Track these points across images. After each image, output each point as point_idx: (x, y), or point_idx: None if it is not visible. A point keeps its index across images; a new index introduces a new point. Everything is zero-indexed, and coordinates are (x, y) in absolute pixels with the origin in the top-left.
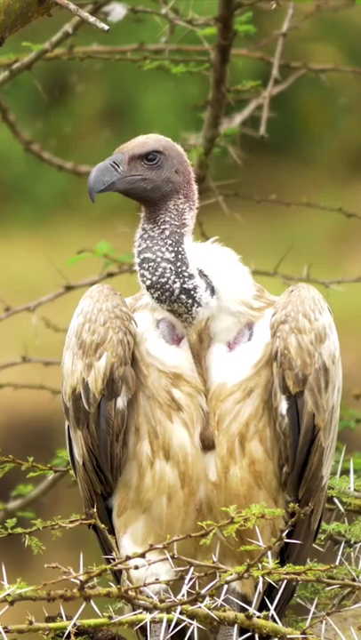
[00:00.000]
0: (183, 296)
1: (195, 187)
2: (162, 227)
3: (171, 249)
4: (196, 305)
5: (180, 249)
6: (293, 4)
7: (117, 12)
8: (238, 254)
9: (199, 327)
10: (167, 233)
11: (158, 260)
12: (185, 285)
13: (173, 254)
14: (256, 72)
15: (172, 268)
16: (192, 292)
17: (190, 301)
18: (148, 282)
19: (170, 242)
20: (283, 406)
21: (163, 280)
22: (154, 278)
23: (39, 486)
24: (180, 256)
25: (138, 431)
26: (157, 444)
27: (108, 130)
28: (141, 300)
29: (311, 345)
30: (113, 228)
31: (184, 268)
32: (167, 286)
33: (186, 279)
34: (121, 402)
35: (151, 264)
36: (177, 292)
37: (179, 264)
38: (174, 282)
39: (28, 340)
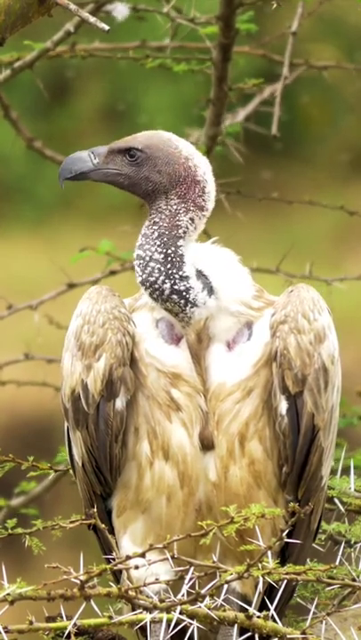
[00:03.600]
0: (175, 296)
1: (198, 189)
2: (153, 227)
3: (160, 250)
4: (190, 305)
5: (170, 251)
6: (302, 2)
7: (119, 10)
8: (240, 253)
9: (198, 327)
10: (156, 234)
11: (147, 258)
12: (176, 287)
13: (162, 256)
14: (258, 70)
15: (162, 268)
16: (184, 294)
17: (183, 302)
18: (140, 278)
19: (159, 243)
20: (282, 406)
21: (152, 279)
22: (143, 276)
23: (42, 483)
24: (169, 258)
25: (137, 431)
26: (157, 445)
27: (109, 129)
28: (141, 300)
29: (310, 345)
30: (113, 228)
31: (174, 271)
32: (157, 286)
33: (177, 280)
34: (120, 402)
35: (141, 262)
36: (167, 292)
37: (169, 266)
38: (164, 282)
39: (31, 338)
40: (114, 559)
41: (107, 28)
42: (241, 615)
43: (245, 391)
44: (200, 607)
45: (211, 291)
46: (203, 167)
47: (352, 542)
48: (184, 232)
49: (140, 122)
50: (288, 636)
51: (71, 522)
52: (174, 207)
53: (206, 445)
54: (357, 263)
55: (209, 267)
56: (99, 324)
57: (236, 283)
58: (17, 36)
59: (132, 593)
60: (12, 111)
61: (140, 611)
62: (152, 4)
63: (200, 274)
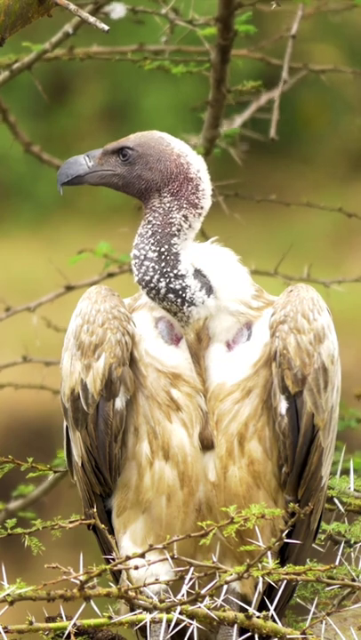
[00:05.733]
0: (171, 295)
1: (191, 186)
2: (147, 226)
3: (154, 248)
4: (187, 304)
5: (164, 249)
6: (302, 5)
7: (118, 11)
8: (238, 254)
9: (197, 326)
10: (150, 232)
11: (142, 257)
12: (171, 285)
13: (156, 254)
14: (256, 72)
15: (156, 267)
16: (180, 292)
17: (180, 301)
18: (136, 278)
19: (152, 241)
20: (282, 406)
21: (147, 278)
22: (139, 275)
23: (40, 486)
24: (163, 256)
25: (137, 431)
26: (157, 445)
27: (108, 130)
28: (140, 300)
29: (310, 345)
30: (113, 228)
31: (169, 269)
32: (152, 285)
33: (172, 279)
34: (119, 402)
35: (136, 261)
36: (163, 291)
37: (163, 264)
38: (159, 281)
39: (29, 340)
40: (113, 559)
41: (106, 28)
42: (241, 615)
43: (245, 391)
44: (200, 607)
45: (210, 290)
46: (196, 165)
47: (352, 542)
48: (178, 230)
49: (139, 122)
50: (288, 636)
51: (71, 522)
52: (167, 205)
53: (206, 445)
54: (357, 263)
55: (208, 266)
56: (98, 324)
57: (236, 282)
58: (16, 37)
59: (131, 593)
60: (9, 115)
61: (140, 611)
62: (150, 5)
63: (199, 273)
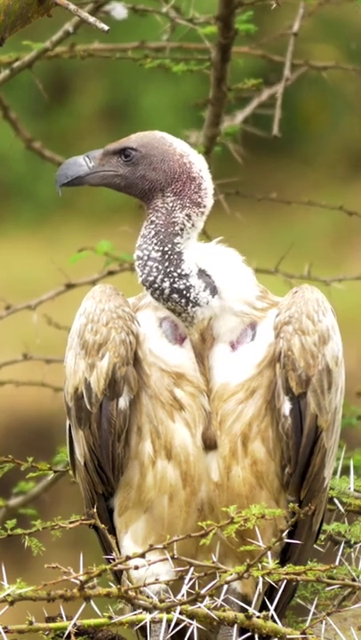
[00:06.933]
0: (175, 295)
1: (194, 186)
2: (150, 226)
3: (157, 248)
4: (191, 304)
5: (167, 248)
6: (304, 3)
7: (118, 11)
8: (240, 254)
9: (201, 326)
10: (153, 232)
11: (145, 258)
12: (175, 285)
13: (160, 254)
14: (257, 71)
15: (160, 267)
16: (184, 292)
17: (184, 301)
18: (140, 279)
19: (155, 241)
20: (286, 407)
21: (150, 278)
22: (143, 276)
23: (40, 483)
24: (167, 255)
25: (140, 431)
26: (159, 444)
27: (108, 129)
28: (144, 299)
29: (315, 346)
30: (113, 228)
31: (172, 269)
32: (156, 285)
33: (176, 279)
34: (123, 402)
35: (140, 262)
36: (167, 291)
37: (167, 264)
38: (163, 281)
39: (29, 338)
40: (114, 559)
41: (106, 28)
42: (241, 615)
43: (249, 392)
44: (200, 607)
45: (214, 290)
46: (198, 164)
47: (352, 542)
48: (181, 229)
49: (139, 121)
50: (288, 636)
51: (71, 522)
52: (170, 204)
53: (209, 445)
54: (357, 262)
55: (213, 266)
56: (102, 323)
57: (241, 283)
58: (16, 36)
59: (131, 593)
60: (11, 112)
61: (140, 611)
62: (151, 3)
63: (203, 273)
